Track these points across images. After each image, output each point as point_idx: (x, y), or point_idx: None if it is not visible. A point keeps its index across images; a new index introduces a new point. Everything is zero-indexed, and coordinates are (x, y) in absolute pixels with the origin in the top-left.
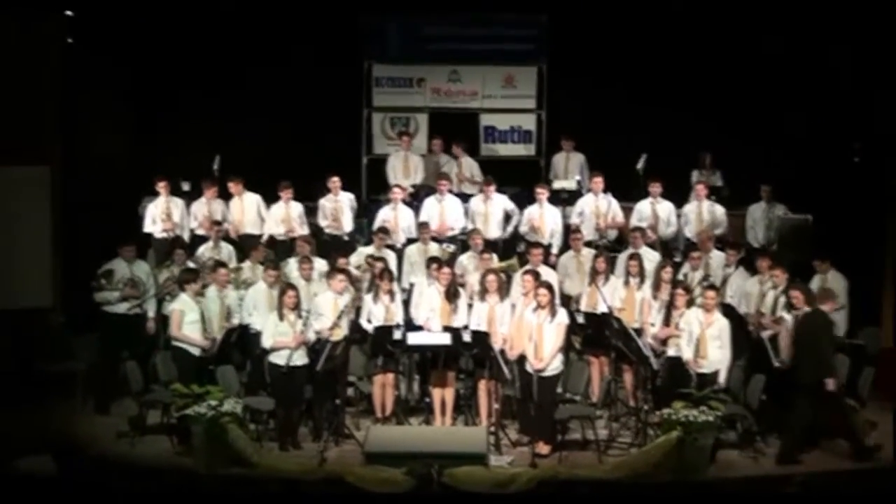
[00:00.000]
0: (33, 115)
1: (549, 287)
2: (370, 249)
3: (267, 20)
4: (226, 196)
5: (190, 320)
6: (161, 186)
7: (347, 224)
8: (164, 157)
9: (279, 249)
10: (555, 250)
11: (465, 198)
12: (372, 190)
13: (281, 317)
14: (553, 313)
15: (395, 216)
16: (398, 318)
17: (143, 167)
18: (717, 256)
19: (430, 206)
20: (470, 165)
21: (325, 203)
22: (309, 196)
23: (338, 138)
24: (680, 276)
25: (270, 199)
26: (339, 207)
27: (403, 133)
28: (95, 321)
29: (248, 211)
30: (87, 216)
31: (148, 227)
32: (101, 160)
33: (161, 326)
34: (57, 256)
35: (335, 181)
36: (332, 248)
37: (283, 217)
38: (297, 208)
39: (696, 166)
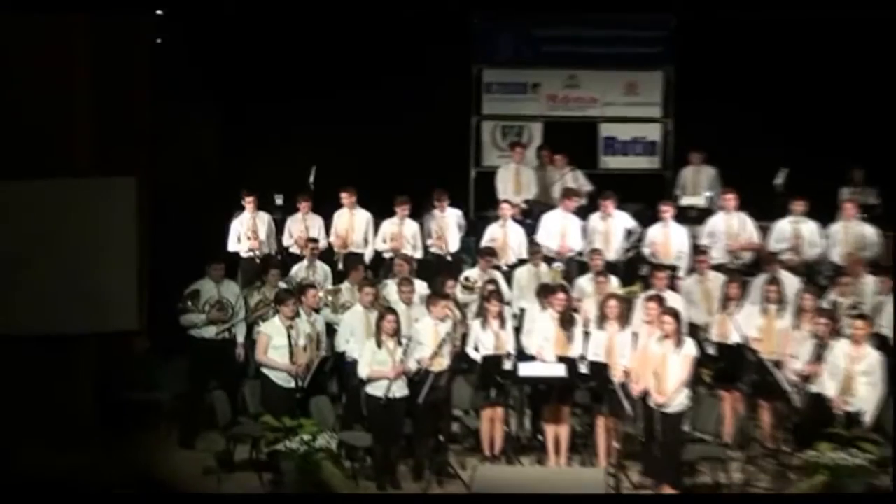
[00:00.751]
0: (121, 121)
1: (676, 314)
2: (475, 272)
3: (368, 22)
4: (321, 211)
5: (276, 345)
6: (248, 202)
7: (453, 243)
8: (255, 167)
9: (380, 270)
10: (682, 273)
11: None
12: (480, 206)
13: (379, 344)
14: (679, 343)
15: (503, 234)
16: (509, 346)
17: (233, 179)
18: (868, 282)
19: (550, 223)
20: (575, 176)
21: (429, 219)
22: (413, 212)
23: (444, 149)
24: (825, 304)
25: (375, 214)
26: (444, 224)
27: (516, 144)
28: (183, 347)
29: (357, 228)
30: (175, 231)
31: (232, 245)
32: (189, 171)
33: (251, 353)
34: (143, 275)
35: (441, 195)
36: (434, 268)
37: (394, 234)
38: (411, 227)
39: (846, 182)
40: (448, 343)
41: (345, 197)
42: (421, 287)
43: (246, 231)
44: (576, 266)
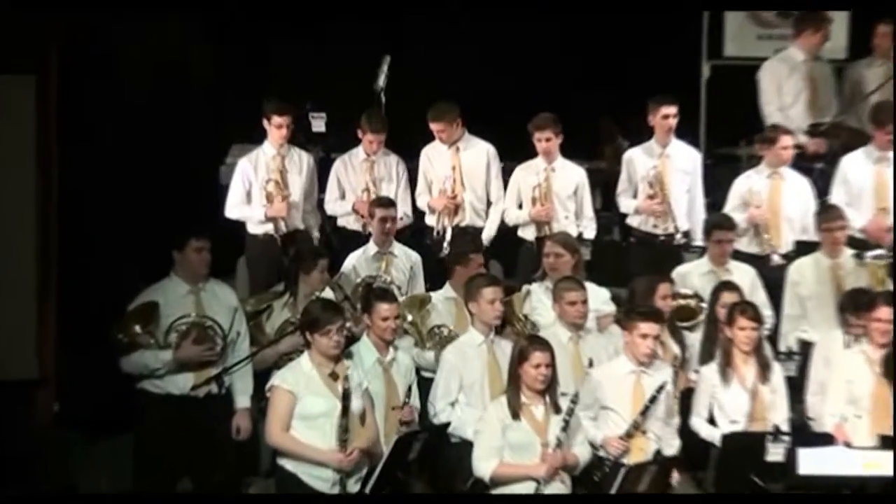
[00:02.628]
0: None
1: None
2: (702, 266)
3: None
4: (406, 147)
5: (311, 412)
6: (277, 125)
7: (682, 213)
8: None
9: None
10: None
11: None
12: (717, 136)
13: (516, 410)
14: None
15: (772, 191)
16: (776, 414)
17: (229, 89)
18: None
19: (856, 171)
20: None
21: (628, 164)
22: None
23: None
24: None
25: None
26: (664, 170)
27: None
28: (126, 412)
29: (472, 176)
30: (111, 184)
31: (234, 208)
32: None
33: (261, 428)
34: (48, 268)
35: (668, 108)
36: (634, 260)
37: (541, 191)
38: (572, 176)
39: None
40: (663, 406)
41: (441, 125)
42: (598, 297)
43: (264, 184)
44: None
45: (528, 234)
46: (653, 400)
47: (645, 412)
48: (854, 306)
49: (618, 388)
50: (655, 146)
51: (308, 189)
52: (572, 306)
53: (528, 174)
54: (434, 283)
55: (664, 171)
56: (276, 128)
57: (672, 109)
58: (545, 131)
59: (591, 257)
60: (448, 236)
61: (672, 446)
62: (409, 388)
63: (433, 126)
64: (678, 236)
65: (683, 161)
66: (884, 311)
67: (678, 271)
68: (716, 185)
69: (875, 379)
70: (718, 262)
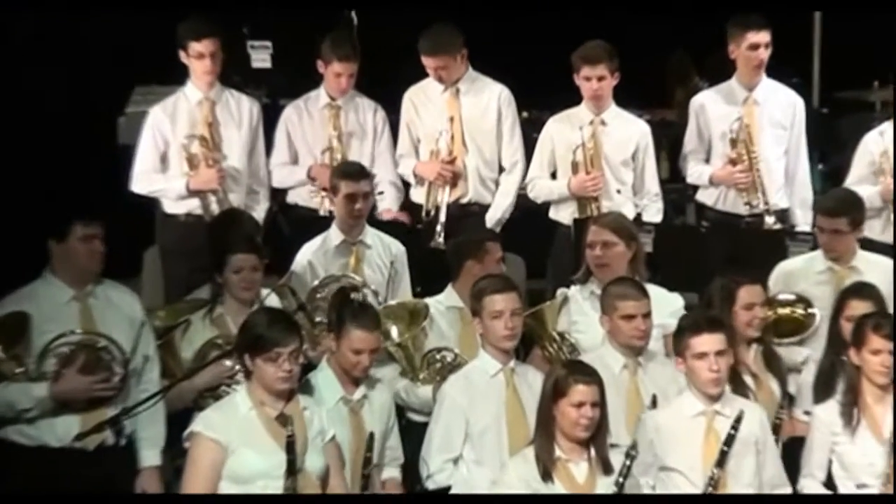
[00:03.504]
0: None
1: None
2: (817, 261)
3: None
4: (386, 91)
5: (248, 471)
6: (198, 52)
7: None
8: None
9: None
10: None
11: None
12: (832, 77)
13: (548, 467)
14: None
15: None
16: None
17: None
18: None
19: None
20: None
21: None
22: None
23: None
24: None
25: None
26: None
27: None
28: None
29: (479, 125)
30: None
31: (142, 181)
32: None
33: (175, 489)
34: None
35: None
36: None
37: (586, 150)
38: (628, 130)
39: None
40: (750, 462)
41: (439, 60)
42: (666, 306)
43: (185, 143)
44: None
45: (564, 215)
46: (730, 441)
47: (722, 461)
48: None
49: (684, 440)
50: (738, 88)
51: (250, 149)
52: (629, 321)
53: (566, 129)
54: (424, 286)
55: (752, 124)
56: (198, 59)
57: (762, 36)
58: (597, 66)
59: (655, 249)
60: (442, 218)
61: None
62: (387, 436)
63: (427, 62)
64: (769, 219)
65: (780, 109)
66: None
67: (781, 270)
68: (834, 145)
69: None
70: (840, 257)
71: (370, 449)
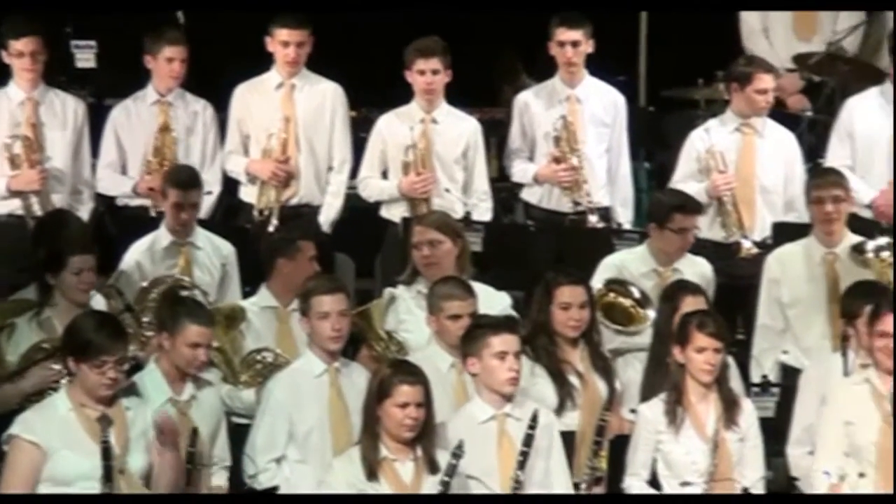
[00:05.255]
0: None
1: None
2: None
3: None
4: (217, 88)
5: (67, 473)
6: (17, 50)
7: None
8: None
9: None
10: None
11: None
12: None
13: (374, 467)
14: None
15: None
16: None
17: None
18: None
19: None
20: None
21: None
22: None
23: None
24: None
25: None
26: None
27: None
28: None
29: (314, 123)
30: None
31: None
32: None
33: None
34: None
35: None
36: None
37: (418, 146)
38: (462, 127)
39: None
40: (541, 464)
41: (299, 34)
42: (494, 305)
43: (6, 143)
44: None
45: (395, 213)
46: (528, 441)
47: (524, 463)
48: (858, 313)
49: (477, 447)
50: (560, 86)
51: (74, 150)
52: (455, 321)
53: (397, 127)
54: (255, 286)
55: (574, 122)
56: (18, 57)
57: (571, 34)
58: (431, 60)
59: (484, 248)
60: (275, 219)
61: None
62: (215, 438)
63: (288, 35)
64: (592, 217)
65: (602, 107)
66: (892, 322)
67: (607, 262)
68: (660, 143)
69: (882, 422)
70: (674, 259)
71: (193, 444)
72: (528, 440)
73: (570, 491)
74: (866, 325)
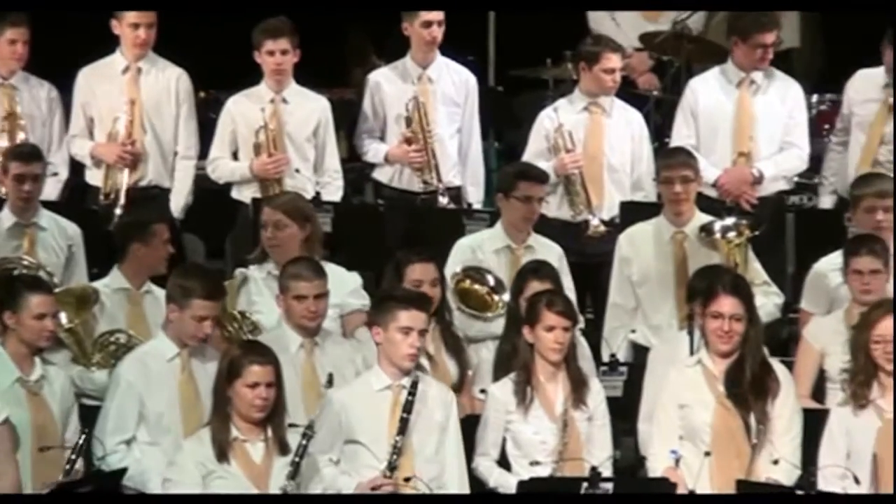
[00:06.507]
0: None
1: None
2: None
3: None
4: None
5: None
6: None
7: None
8: None
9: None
10: None
11: None
12: None
13: (224, 447)
14: None
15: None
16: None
17: None
18: None
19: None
20: None
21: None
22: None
23: None
24: None
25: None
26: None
27: None
28: None
29: (158, 107)
30: None
31: None
32: None
33: None
34: None
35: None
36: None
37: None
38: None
39: None
40: (433, 439)
41: (130, 25)
42: (343, 286)
43: None
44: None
45: (246, 195)
46: (408, 407)
47: (403, 429)
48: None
49: (370, 414)
50: (413, 67)
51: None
52: (300, 301)
53: (247, 108)
54: (102, 268)
55: (426, 102)
56: None
57: (435, 14)
58: (279, 40)
59: (334, 228)
60: (122, 200)
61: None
62: (67, 419)
63: (125, 29)
64: (443, 198)
65: (453, 87)
66: (726, 304)
67: (460, 245)
68: (509, 123)
69: (716, 403)
70: (522, 230)
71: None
72: (408, 406)
73: (464, 471)
74: (700, 307)
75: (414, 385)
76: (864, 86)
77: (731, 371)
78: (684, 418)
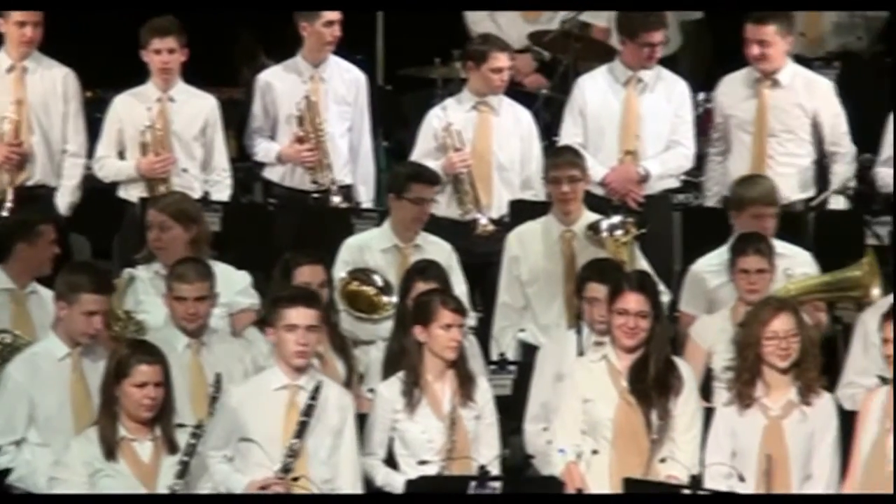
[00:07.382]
0: None
1: None
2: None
3: None
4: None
5: None
6: None
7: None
8: None
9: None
10: None
11: None
12: None
13: (112, 446)
14: None
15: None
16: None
17: None
18: None
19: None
20: None
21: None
22: None
23: None
24: None
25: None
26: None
27: None
28: None
29: (45, 107)
30: None
31: None
32: None
33: None
34: None
35: None
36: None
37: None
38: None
39: None
40: (327, 441)
41: (16, 23)
42: (231, 285)
43: None
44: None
45: (133, 194)
46: (308, 411)
47: (301, 432)
48: (589, 291)
49: (265, 412)
50: (304, 65)
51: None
52: (181, 303)
53: (133, 107)
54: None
55: (318, 101)
56: None
57: (336, 14)
58: (167, 38)
59: (223, 228)
60: (10, 202)
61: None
62: None
63: (11, 27)
64: (335, 197)
65: (344, 86)
66: (632, 300)
67: (348, 245)
68: (398, 122)
69: (619, 398)
70: (411, 230)
71: None
72: (309, 410)
73: (358, 475)
74: (606, 303)
75: (316, 390)
76: (734, 88)
77: (636, 367)
78: (587, 412)
